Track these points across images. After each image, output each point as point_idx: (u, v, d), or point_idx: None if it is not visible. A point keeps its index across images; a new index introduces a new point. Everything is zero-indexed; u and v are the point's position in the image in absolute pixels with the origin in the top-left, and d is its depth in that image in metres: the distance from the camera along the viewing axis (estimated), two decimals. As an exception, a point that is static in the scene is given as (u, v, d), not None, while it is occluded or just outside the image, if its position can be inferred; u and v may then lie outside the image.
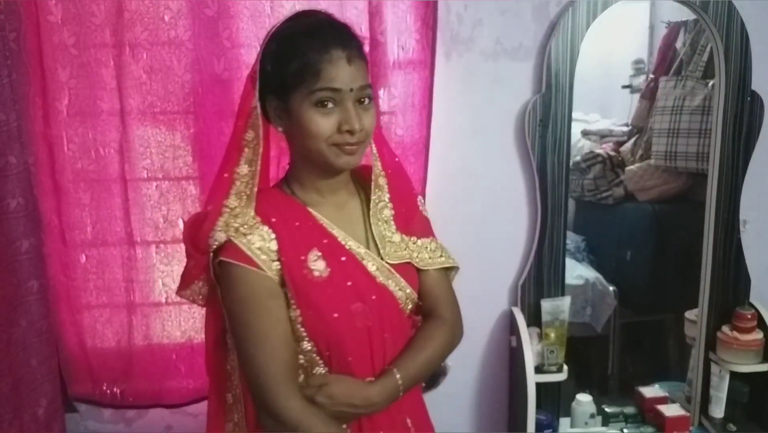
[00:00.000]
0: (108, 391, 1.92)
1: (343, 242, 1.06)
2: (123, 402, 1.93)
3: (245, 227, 1.01)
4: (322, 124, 0.98)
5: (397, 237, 1.12)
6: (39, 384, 1.78)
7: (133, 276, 1.84)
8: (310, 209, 1.07)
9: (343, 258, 1.05)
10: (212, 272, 1.03)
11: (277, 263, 1.01)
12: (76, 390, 1.92)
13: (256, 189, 1.04)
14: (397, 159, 1.21)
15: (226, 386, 1.14)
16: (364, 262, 1.07)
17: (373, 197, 1.12)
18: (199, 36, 1.71)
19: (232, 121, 1.72)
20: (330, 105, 0.98)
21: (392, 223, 1.12)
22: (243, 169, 1.04)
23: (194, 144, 1.79)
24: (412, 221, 1.16)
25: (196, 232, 1.05)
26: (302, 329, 1.03)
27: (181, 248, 1.83)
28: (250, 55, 1.74)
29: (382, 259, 1.09)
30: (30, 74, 1.69)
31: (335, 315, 1.02)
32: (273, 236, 1.02)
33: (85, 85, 1.73)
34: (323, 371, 1.06)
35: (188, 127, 1.78)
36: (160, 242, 1.84)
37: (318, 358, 1.05)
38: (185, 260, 1.12)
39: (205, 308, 1.16)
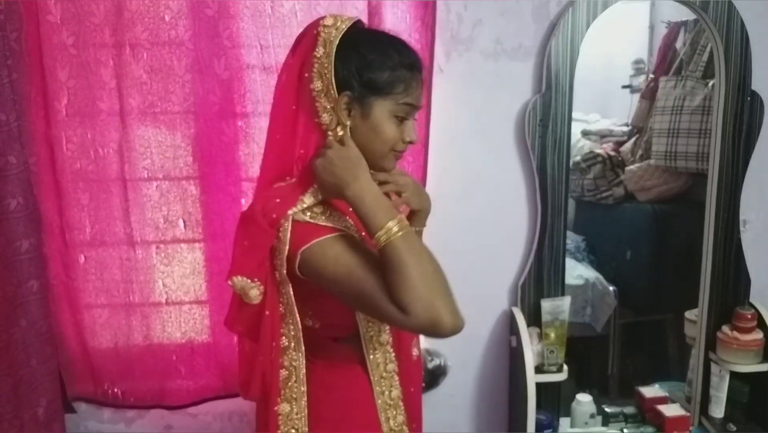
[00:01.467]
0: (108, 391, 1.92)
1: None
2: (123, 402, 1.93)
3: (323, 216, 1.06)
4: (395, 132, 1.08)
5: None
6: (39, 384, 1.78)
7: (134, 276, 1.84)
8: None
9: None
10: (295, 267, 1.03)
11: (350, 226, 1.08)
12: (76, 390, 1.92)
13: None
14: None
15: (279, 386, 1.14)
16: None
17: None
18: (199, 36, 1.71)
19: (232, 121, 1.76)
20: (404, 117, 1.08)
21: None
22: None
23: (194, 144, 1.79)
24: None
25: (259, 221, 1.04)
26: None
27: (181, 248, 1.86)
28: (250, 55, 1.74)
29: None
30: (30, 74, 1.69)
31: None
32: (351, 221, 1.09)
33: (84, 85, 1.73)
34: (388, 337, 1.16)
35: (188, 127, 1.78)
36: (160, 242, 1.84)
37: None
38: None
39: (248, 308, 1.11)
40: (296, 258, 1.02)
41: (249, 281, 1.04)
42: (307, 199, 1.05)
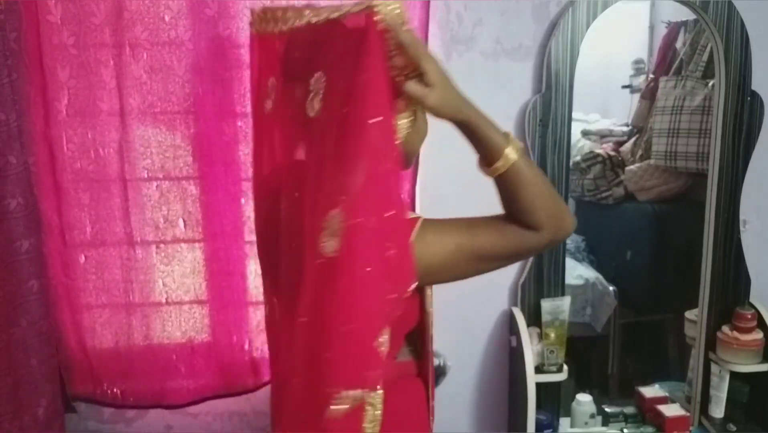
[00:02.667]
0: (108, 391, 1.92)
1: None
2: (123, 402, 1.93)
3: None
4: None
5: None
6: (39, 384, 1.78)
7: (134, 276, 1.84)
8: None
9: None
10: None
11: None
12: (76, 390, 1.92)
13: None
14: None
15: None
16: None
17: None
18: (199, 36, 1.71)
19: (232, 121, 1.76)
20: None
21: None
22: None
23: (194, 144, 1.79)
24: None
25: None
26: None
27: (181, 248, 1.86)
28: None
29: None
30: (30, 74, 1.69)
31: None
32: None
33: (84, 85, 1.73)
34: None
35: (188, 127, 1.78)
36: (160, 242, 1.84)
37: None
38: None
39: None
40: None
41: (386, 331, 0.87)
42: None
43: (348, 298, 0.85)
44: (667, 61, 2.32)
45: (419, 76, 0.85)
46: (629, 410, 2.04)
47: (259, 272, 1.20)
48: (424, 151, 1.82)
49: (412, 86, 0.84)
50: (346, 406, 0.84)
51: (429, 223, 0.94)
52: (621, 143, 2.48)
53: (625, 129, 2.48)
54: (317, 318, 0.87)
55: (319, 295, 0.86)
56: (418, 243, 0.90)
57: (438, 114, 0.88)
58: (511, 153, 0.91)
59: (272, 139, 1.05)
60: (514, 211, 0.93)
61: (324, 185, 0.86)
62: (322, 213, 0.85)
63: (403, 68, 0.85)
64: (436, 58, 0.87)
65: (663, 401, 2.03)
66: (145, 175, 1.80)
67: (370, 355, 0.86)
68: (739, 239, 1.98)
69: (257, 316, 1.86)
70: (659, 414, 1.97)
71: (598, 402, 2.01)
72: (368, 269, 0.84)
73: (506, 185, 0.93)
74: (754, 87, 1.90)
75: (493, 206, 1.98)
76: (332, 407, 0.84)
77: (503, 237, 0.93)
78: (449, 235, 0.93)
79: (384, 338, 0.87)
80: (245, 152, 1.78)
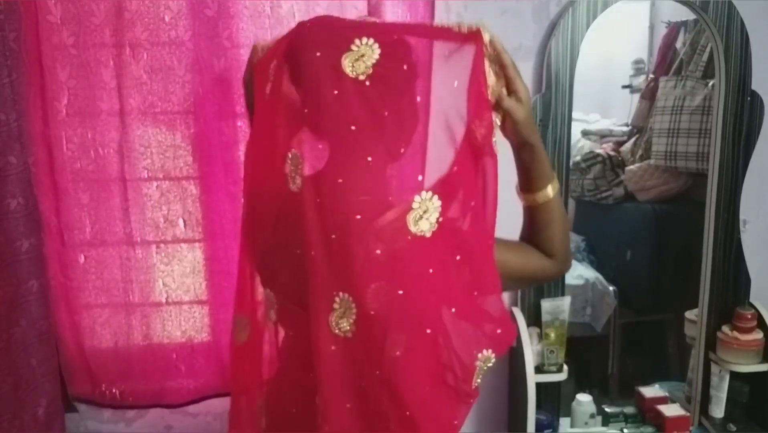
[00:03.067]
0: (108, 391, 1.92)
1: None
2: (123, 402, 1.93)
3: None
4: None
5: None
6: (39, 384, 1.78)
7: (134, 276, 1.84)
8: None
9: None
10: None
11: None
12: (76, 390, 1.92)
13: None
14: None
15: None
16: None
17: None
18: (199, 36, 1.71)
19: (232, 121, 1.76)
20: None
21: None
22: None
23: (194, 144, 1.79)
24: None
25: None
26: None
27: (181, 248, 1.86)
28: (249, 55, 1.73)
29: None
30: (30, 74, 1.69)
31: None
32: None
33: (84, 85, 1.73)
34: None
35: (188, 127, 1.78)
36: (160, 242, 1.84)
37: None
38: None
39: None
40: None
41: None
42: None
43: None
44: (667, 61, 2.32)
45: (512, 93, 0.97)
46: (629, 410, 2.04)
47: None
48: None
49: (509, 101, 0.96)
50: None
51: None
52: (621, 143, 2.48)
53: (625, 129, 2.48)
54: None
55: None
56: None
57: (520, 129, 0.96)
58: (551, 190, 0.99)
59: (271, 125, 0.95)
60: (539, 240, 0.99)
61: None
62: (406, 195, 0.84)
63: (497, 85, 0.94)
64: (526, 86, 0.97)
65: (663, 401, 2.02)
66: (145, 175, 1.80)
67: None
68: (739, 239, 1.97)
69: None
70: (659, 414, 1.97)
71: (598, 402, 2.01)
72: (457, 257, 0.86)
73: (539, 216, 1.00)
74: (754, 87, 1.89)
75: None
76: None
77: (529, 261, 0.99)
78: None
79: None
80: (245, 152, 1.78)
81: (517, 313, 1.93)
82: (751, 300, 1.98)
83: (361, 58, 0.86)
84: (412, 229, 0.83)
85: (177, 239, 1.84)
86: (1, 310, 1.69)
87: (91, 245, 1.83)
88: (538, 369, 1.87)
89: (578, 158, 2.42)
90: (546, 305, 1.91)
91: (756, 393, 1.96)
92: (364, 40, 0.86)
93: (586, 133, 2.54)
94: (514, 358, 1.97)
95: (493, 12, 1.84)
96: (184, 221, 1.83)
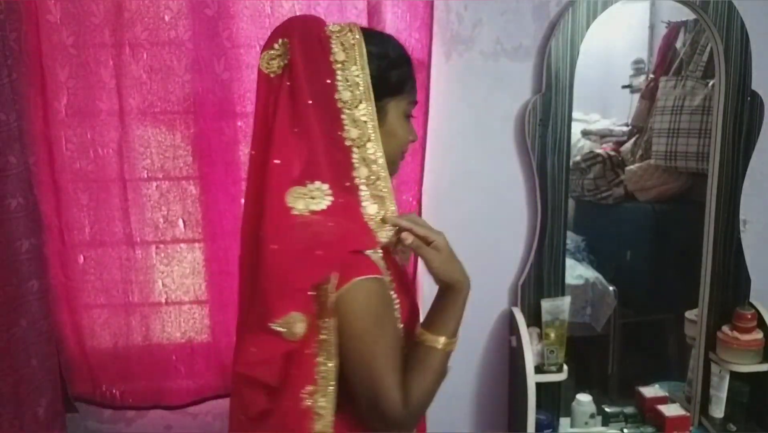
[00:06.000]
0: (108, 391, 1.92)
1: None
2: (123, 403, 1.93)
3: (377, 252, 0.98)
4: (407, 132, 1.05)
5: None
6: (39, 384, 1.78)
7: (133, 276, 1.84)
8: None
9: None
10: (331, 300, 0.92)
11: (386, 268, 1.00)
12: (76, 390, 1.92)
13: (390, 188, 0.99)
14: None
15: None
16: None
17: None
18: (199, 36, 1.71)
19: (232, 121, 1.76)
20: (410, 115, 1.06)
21: None
22: (362, 172, 0.97)
23: (194, 144, 1.79)
24: None
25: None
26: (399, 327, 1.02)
27: (181, 248, 1.86)
28: (250, 55, 1.74)
29: None
30: (30, 74, 1.69)
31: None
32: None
33: (84, 85, 1.73)
34: None
35: (188, 127, 1.78)
36: (160, 242, 1.84)
37: None
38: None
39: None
40: (339, 290, 0.91)
41: (299, 313, 0.91)
42: (383, 237, 0.97)
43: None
44: (667, 61, 2.32)
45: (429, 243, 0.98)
46: (629, 410, 2.03)
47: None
48: (430, 156, 1.83)
49: (425, 250, 0.98)
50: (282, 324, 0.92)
51: (381, 288, 0.95)
52: (621, 143, 2.48)
53: (625, 129, 2.48)
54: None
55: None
56: (357, 287, 0.92)
57: (436, 273, 0.99)
58: (446, 345, 0.97)
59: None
60: (409, 376, 0.94)
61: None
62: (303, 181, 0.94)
63: (347, 102, 0.95)
64: (442, 233, 1.00)
65: (663, 401, 2.02)
66: (145, 176, 1.80)
67: None
68: (739, 239, 1.97)
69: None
70: (659, 414, 1.97)
71: (598, 402, 2.01)
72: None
73: (420, 354, 0.97)
74: (754, 87, 1.89)
75: (493, 206, 1.99)
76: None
77: (386, 372, 0.92)
78: (376, 313, 0.94)
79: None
80: (245, 152, 1.78)
81: (517, 313, 1.93)
82: (751, 300, 1.98)
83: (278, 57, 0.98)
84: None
85: (177, 239, 1.84)
86: (1, 310, 1.69)
87: (90, 245, 1.83)
88: (538, 369, 1.87)
89: (578, 158, 2.42)
90: (546, 305, 1.91)
91: (756, 393, 1.96)
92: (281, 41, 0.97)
93: (586, 133, 2.54)
94: (514, 358, 1.97)
95: (493, 12, 1.84)
96: (184, 222, 1.83)
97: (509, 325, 1.99)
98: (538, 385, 1.83)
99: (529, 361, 1.82)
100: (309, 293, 0.92)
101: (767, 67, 1.90)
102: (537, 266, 1.93)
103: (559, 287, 1.95)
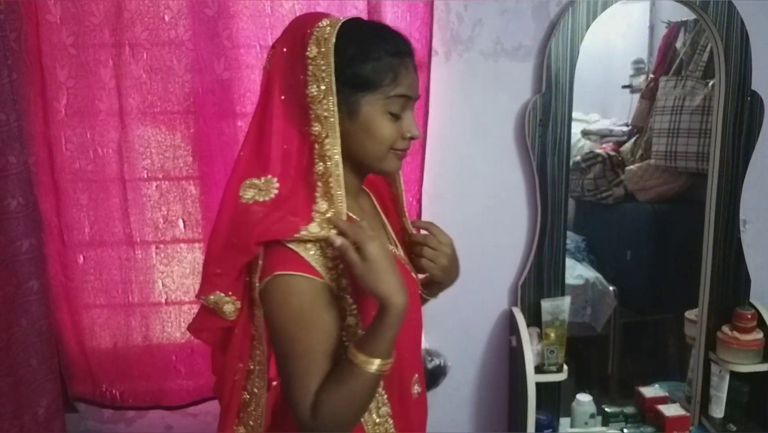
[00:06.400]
0: (108, 392, 1.92)
1: None
2: (123, 403, 1.93)
3: (312, 250, 0.95)
4: (392, 129, 0.98)
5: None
6: (39, 384, 1.78)
7: (133, 276, 1.84)
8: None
9: None
10: (257, 290, 0.96)
11: (335, 271, 0.96)
12: (76, 390, 1.92)
13: (340, 187, 0.96)
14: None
15: (237, 418, 1.06)
16: (398, 255, 1.08)
17: (400, 196, 1.15)
18: (199, 36, 1.71)
19: (232, 121, 1.76)
20: (399, 112, 0.98)
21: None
22: (319, 168, 0.96)
23: (194, 144, 1.79)
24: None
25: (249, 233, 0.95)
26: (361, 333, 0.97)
27: (181, 248, 1.86)
28: (250, 55, 1.74)
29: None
30: (30, 74, 1.69)
31: None
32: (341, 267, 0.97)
33: (83, 85, 1.73)
34: None
35: (188, 127, 1.78)
36: (159, 242, 1.84)
37: None
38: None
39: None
40: (262, 283, 0.94)
41: (224, 295, 0.98)
42: (313, 229, 0.93)
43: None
44: (667, 61, 2.32)
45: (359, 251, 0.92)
46: (629, 410, 2.04)
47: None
48: (430, 156, 1.83)
49: (350, 254, 0.91)
50: (211, 302, 1.00)
51: (312, 290, 0.93)
52: (621, 143, 2.48)
53: (625, 129, 2.48)
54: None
55: None
56: (279, 281, 0.93)
57: (362, 283, 0.92)
58: (364, 363, 0.89)
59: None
60: (330, 384, 0.91)
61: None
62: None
63: (314, 98, 0.95)
64: (377, 243, 0.92)
65: (663, 401, 2.03)
66: (145, 176, 1.80)
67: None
68: (739, 239, 1.97)
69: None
70: (659, 414, 1.97)
71: (598, 402, 2.01)
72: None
73: (343, 367, 0.91)
74: (754, 87, 1.89)
75: (493, 206, 1.99)
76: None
77: (303, 373, 0.92)
78: (299, 311, 0.93)
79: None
80: (245, 152, 1.78)
81: (517, 313, 1.93)
82: (751, 300, 1.98)
83: None
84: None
85: (176, 239, 1.84)
86: (1, 310, 1.69)
87: (90, 245, 1.83)
88: (538, 369, 1.87)
89: (578, 158, 2.42)
90: (546, 305, 1.91)
91: (756, 393, 1.96)
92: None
93: (586, 133, 2.54)
94: (514, 358, 1.97)
95: (493, 12, 1.84)
96: (184, 222, 1.83)
97: (509, 325, 1.99)
98: (538, 385, 1.83)
99: (529, 361, 1.82)
100: (233, 277, 0.97)
101: (767, 67, 1.90)
102: (537, 266, 1.93)
103: (559, 287, 1.95)
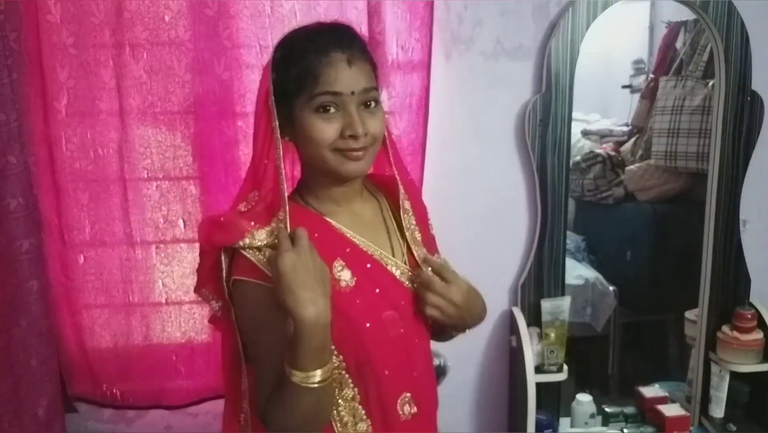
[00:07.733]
0: (108, 392, 1.92)
1: (365, 249, 1.03)
2: (123, 403, 1.93)
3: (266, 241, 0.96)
4: (324, 129, 0.94)
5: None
6: (39, 384, 1.78)
7: (133, 276, 1.84)
8: (328, 219, 1.03)
9: (368, 265, 1.02)
10: (226, 292, 0.99)
11: None
12: (76, 390, 1.92)
13: (281, 197, 0.98)
14: (409, 176, 1.19)
15: (240, 406, 1.08)
16: (390, 267, 1.05)
17: (404, 222, 1.10)
18: (199, 36, 1.71)
19: (232, 121, 1.76)
20: (332, 110, 0.94)
21: (423, 247, 1.11)
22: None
23: (194, 144, 1.79)
24: (429, 244, 1.15)
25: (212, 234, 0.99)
26: (331, 346, 0.93)
27: (181, 248, 1.86)
28: (250, 55, 1.74)
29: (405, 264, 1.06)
30: (30, 74, 1.69)
31: (367, 325, 0.98)
32: None
33: (84, 85, 1.72)
34: (353, 392, 1.00)
35: (188, 127, 1.78)
36: (160, 242, 1.84)
37: (347, 375, 0.99)
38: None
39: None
40: (228, 287, 0.98)
41: (209, 292, 1.03)
42: (259, 236, 0.95)
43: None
44: (667, 61, 2.32)
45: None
46: (629, 410, 2.04)
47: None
48: (430, 156, 1.83)
49: (269, 261, 0.92)
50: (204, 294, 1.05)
51: (267, 297, 0.92)
52: (621, 143, 2.48)
53: (625, 129, 2.48)
54: None
55: None
56: (239, 291, 0.97)
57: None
58: (290, 374, 0.87)
59: None
60: (273, 394, 0.91)
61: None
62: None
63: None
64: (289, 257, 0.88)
65: (663, 401, 2.03)
66: (145, 176, 1.80)
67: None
68: (739, 239, 1.98)
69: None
70: (659, 414, 1.97)
71: (598, 402, 2.01)
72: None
73: (280, 382, 0.89)
74: (754, 87, 1.90)
75: (493, 206, 1.99)
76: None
77: (266, 369, 0.93)
78: (242, 320, 0.99)
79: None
80: (245, 152, 1.78)
81: (517, 313, 1.93)
82: (751, 300, 1.98)
83: None
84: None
85: (177, 239, 1.84)
86: (1, 310, 1.69)
87: (90, 245, 1.83)
88: (538, 369, 1.87)
89: (578, 158, 2.42)
90: (546, 305, 1.91)
91: (756, 393, 1.96)
92: None
93: (586, 133, 2.54)
94: (514, 358, 1.97)
95: (493, 12, 1.84)
96: (184, 222, 1.83)
97: (509, 325, 1.99)
98: (538, 385, 1.83)
99: (529, 361, 1.82)
100: (209, 277, 1.01)
101: (767, 67, 1.90)
102: (537, 266, 1.94)
103: (559, 287, 1.95)
